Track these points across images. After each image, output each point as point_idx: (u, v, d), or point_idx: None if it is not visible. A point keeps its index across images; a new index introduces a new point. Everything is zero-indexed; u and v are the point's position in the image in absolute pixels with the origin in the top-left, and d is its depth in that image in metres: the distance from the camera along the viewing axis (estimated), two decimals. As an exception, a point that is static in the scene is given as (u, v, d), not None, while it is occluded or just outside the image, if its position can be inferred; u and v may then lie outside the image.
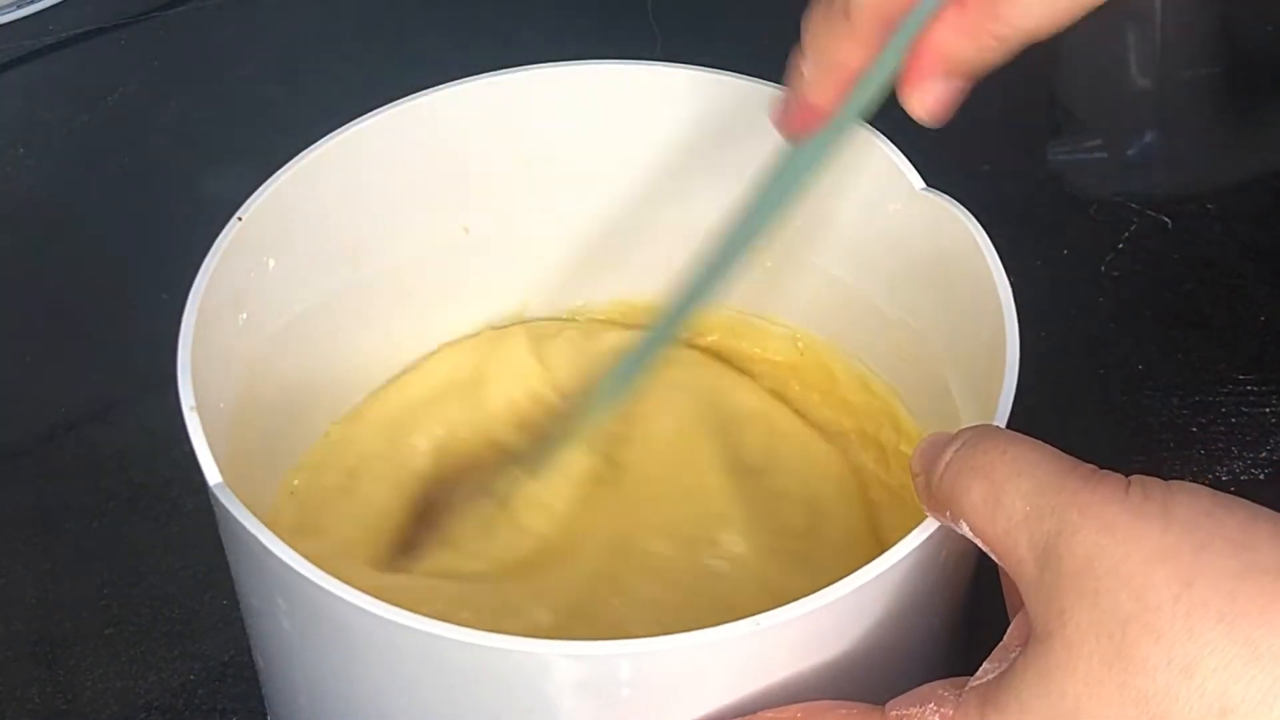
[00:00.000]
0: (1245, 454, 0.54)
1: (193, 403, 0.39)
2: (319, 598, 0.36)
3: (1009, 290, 0.42)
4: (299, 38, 0.71)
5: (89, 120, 0.67)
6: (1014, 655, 0.34)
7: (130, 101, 0.68)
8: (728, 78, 0.48)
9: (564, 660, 0.35)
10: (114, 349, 0.58)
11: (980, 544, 0.35)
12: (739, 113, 0.48)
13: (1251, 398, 0.56)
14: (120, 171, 0.65)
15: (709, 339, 0.53)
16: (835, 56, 0.41)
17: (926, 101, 0.41)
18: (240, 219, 0.44)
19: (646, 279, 0.52)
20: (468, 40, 0.70)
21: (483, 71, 0.48)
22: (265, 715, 0.48)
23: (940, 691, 0.35)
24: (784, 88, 0.43)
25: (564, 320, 0.53)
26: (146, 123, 0.67)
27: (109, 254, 0.61)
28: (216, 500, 0.38)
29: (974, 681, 0.35)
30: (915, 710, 0.35)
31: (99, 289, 0.60)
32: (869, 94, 0.41)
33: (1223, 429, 0.55)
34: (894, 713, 0.35)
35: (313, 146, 0.46)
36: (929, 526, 0.37)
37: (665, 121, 0.49)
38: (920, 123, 0.42)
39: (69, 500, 0.54)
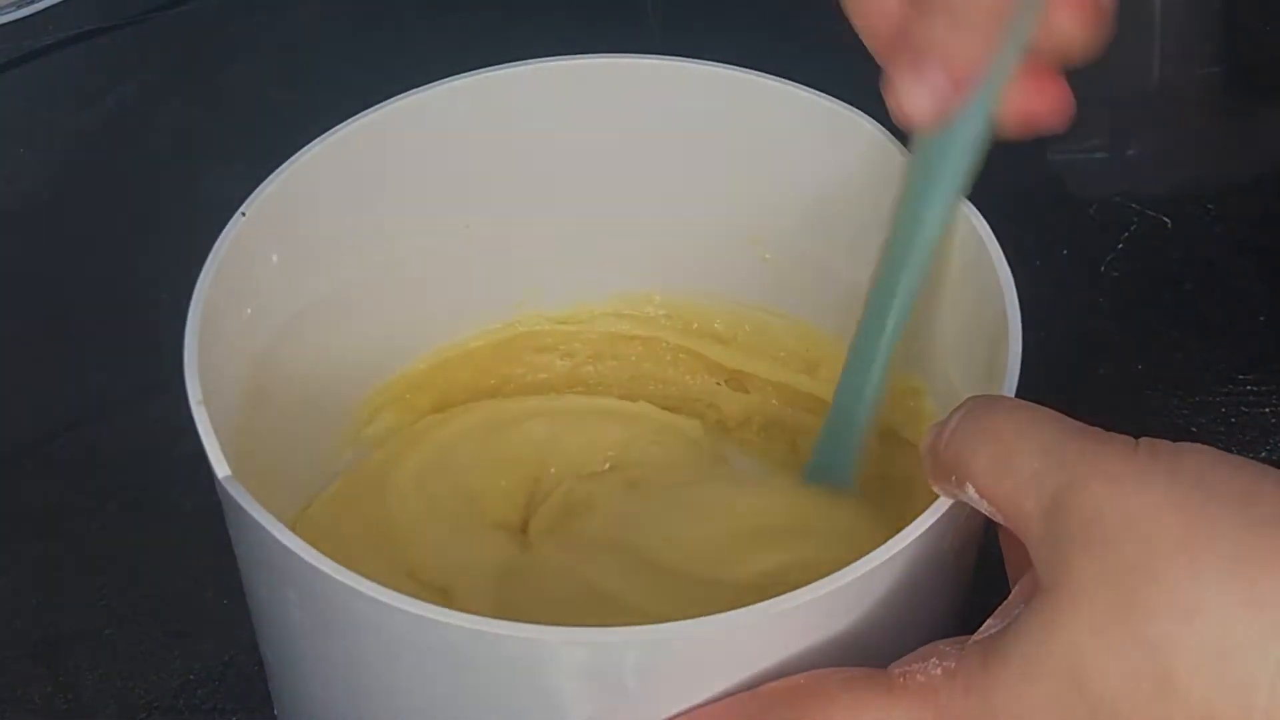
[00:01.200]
0: (1245, 454, 0.54)
1: (200, 397, 0.40)
2: (330, 588, 0.36)
3: (1010, 278, 0.42)
4: (299, 38, 0.71)
5: (89, 120, 0.67)
6: (1018, 611, 0.34)
7: (130, 101, 0.68)
8: (728, 71, 0.48)
9: (570, 648, 0.35)
10: (114, 349, 0.58)
11: (986, 506, 0.35)
12: (739, 106, 0.48)
13: (1251, 398, 0.56)
14: (120, 171, 0.65)
15: (713, 327, 0.53)
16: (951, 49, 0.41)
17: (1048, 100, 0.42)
18: (244, 214, 0.44)
19: (646, 273, 0.53)
20: (468, 37, 0.70)
21: (483, 67, 0.48)
22: (265, 714, 0.48)
23: (942, 647, 0.35)
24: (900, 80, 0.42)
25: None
26: (146, 123, 0.67)
27: (109, 254, 0.61)
28: (225, 493, 0.38)
29: (976, 636, 0.35)
30: (918, 666, 0.35)
31: (99, 289, 0.60)
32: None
33: (1223, 429, 0.55)
34: (897, 670, 0.35)
35: (315, 141, 0.46)
36: (937, 510, 0.37)
37: (665, 115, 0.49)
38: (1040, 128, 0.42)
39: (69, 500, 0.54)
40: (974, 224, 0.44)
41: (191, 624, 0.51)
